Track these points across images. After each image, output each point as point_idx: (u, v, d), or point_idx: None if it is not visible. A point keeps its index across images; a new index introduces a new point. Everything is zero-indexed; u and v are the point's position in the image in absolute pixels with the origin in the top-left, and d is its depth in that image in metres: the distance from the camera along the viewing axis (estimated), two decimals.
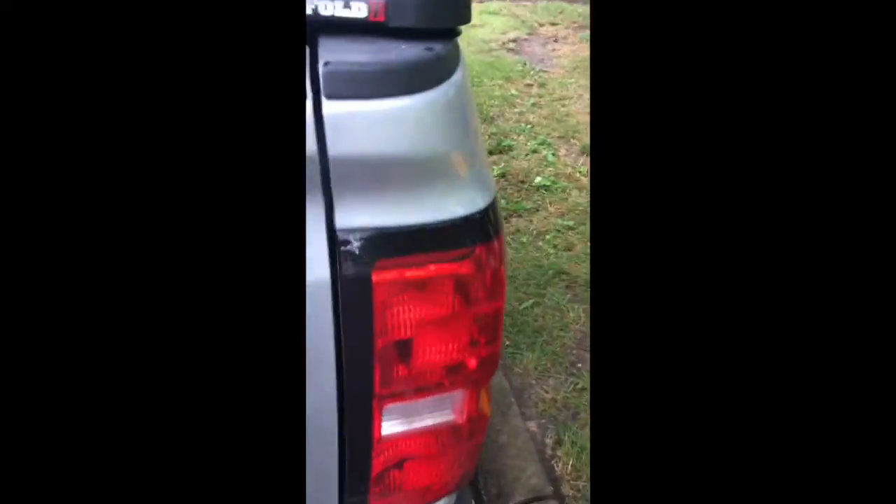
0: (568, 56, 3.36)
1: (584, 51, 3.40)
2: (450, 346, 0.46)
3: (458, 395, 0.49)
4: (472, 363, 0.48)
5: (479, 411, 0.50)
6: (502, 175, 2.39)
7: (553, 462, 1.42)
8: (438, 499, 0.55)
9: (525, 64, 3.26)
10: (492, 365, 0.49)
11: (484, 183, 0.48)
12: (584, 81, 3.08)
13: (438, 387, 0.47)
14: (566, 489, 1.36)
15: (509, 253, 2.03)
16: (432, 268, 0.44)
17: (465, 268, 0.45)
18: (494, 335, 0.48)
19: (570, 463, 1.40)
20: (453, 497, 0.59)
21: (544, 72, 3.19)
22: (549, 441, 1.47)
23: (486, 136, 2.63)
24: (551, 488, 1.36)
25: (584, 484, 1.36)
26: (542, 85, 3.06)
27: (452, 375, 0.47)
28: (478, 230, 0.46)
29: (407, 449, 0.50)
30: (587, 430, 1.46)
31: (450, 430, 0.50)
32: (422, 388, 0.47)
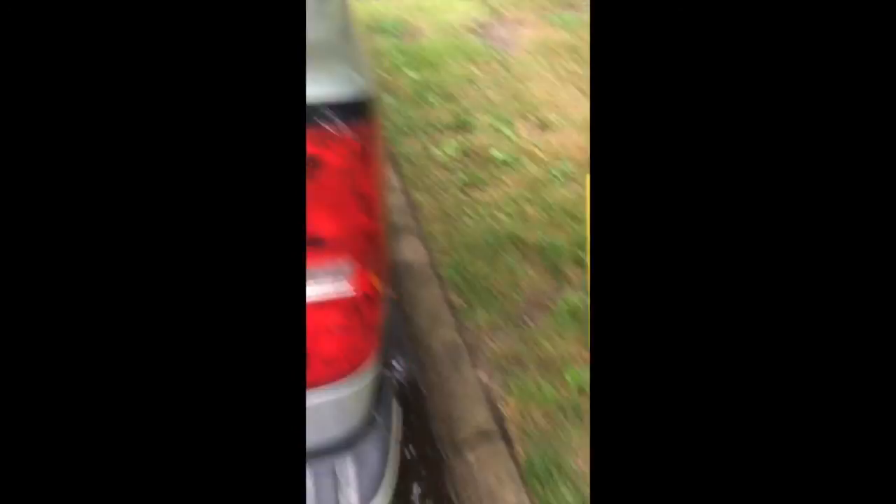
0: (531, 39, 3.45)
1: (547, 34, 3.50)
2: (336, 217, 0.53)
3: (349, 269, 0.57)
4: (358, 235, 0.55)
5: (372, 287, 0.58)
6: (462, 150, 2.47)
7: (499, 405, 1.52)
8: (355, 371, 0.62)
9: (488, 46, 3.34)
10: (375, 242, 0.57)
11: (364, 75, 0.56)
12: (545, 62, 3.17)
13: (328, 254, 0.55)
14: (511, 428, 1.47)
15: (468, 222, 2.12)
16: (317, 141, 0.51)
17: (343, 146, 0.52)
18: (372, 213, 0.56)
19: (514, 405, 1.50)
20: (369, 377, 0.67)
21: (507, 53, 3.28)
22: (496, 387, 1.57)
23: (448, 114, 2.71)
24: (497, 428, 1.46)
25: (526, 424, 1.46)
26: (503, 65, 3.15)
27: (340, 245, 0.55)
28: (358, 113, 0.54)
29: (314, 321, 0.57)
30: (533, 377, 1.56)
31: (349, 303, 0.58)
32: (313, 252, 0.54)
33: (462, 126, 2.61)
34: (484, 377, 1.61)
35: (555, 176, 2.30)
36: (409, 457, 1.45)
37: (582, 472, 1.33)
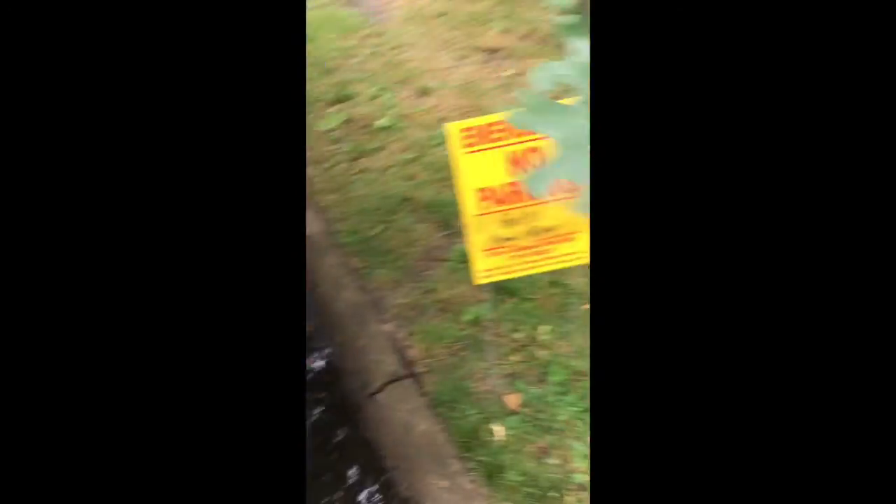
0: (404, 7, 3.50)
1: (418, 2, 3.56)
2: None
3: None
4: None
5: None
6: (346, 121, 2.52)
7: (406, 351, 1.65)
8: None
9: (361, 17, 3.35)
10: None
11: None
12: (421, 29, 3.25)
13: None
14: (418, 368, 1.60)
15: (359, 189, 2.19)
16: None
17: None
18: None
19: (421, 348, 1.63)
20: None
21: (380, 23, 3.32)
22: (402, 336, 1.69)
23: (328, 87, 2.72)
24: (406, 370, 1.59)
25: (433, 360, 1.60)
26: (379, 35, 3.18)
27: None
28: None
29: None
30: (435, 321, 1.70)
31: None
32: None
33: (344, 98, 2.64)
34: (389, 328, 1.72)
35: (437, 137, 2.43)
36: (327, 410, 1.54)
37: (482, 391, 1.50)
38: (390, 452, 1.44)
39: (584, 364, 1.51)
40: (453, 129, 1.11)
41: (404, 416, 1.47)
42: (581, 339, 1.58)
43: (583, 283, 1.72)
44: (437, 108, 2.64)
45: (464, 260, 1.95)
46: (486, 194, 1.17)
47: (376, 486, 1.38)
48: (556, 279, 1.76)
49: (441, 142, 2.43)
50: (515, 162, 1.15)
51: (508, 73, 2.79)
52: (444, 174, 2.24)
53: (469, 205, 1.18)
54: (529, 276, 1.75)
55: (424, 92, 2.74)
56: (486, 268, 1.27)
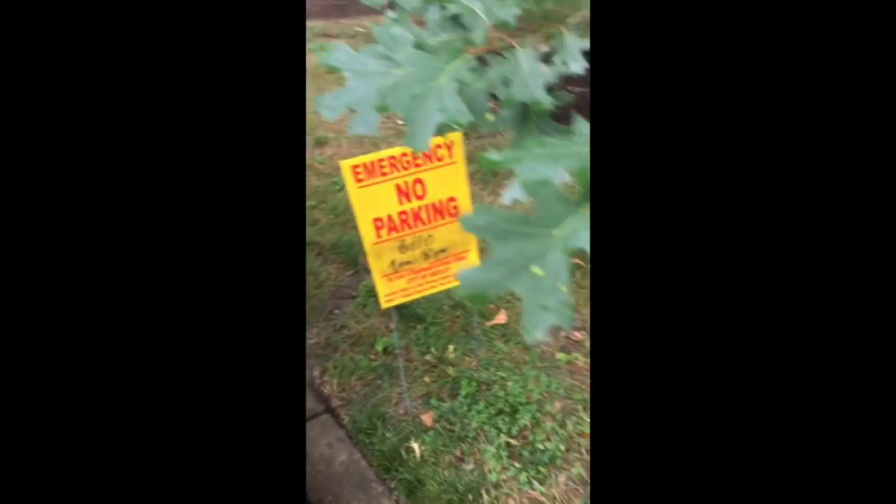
0: None
1: (308, 61, 3.73)
2: None
3: None
4: None
5: None
6: None
7: (321, 387, 1.68)
8: None
9: None
10: None
11: None
12: (313, 86, 3.40)
13: None
14: (335, 402, 1.63)
15: None
16: None
17: None
18: None
19: (336, 382, 1.67)
20: None
21: None
22: (316, 373, 1.72)
23: None
24: (323, 406, 1.61)
25: (347, 394, 1.64)
26: None
27: None
28: None
29: None
30: (347, 355, 1.75)
31: None
32: None
33: None
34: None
35: (337, 184, 2.53)
36: None
37: (398, 414, 1.56)
38: (313, 487, 1.45)
39: (489, 375, 1.63)
40: (346, 167, 1.23)
41: (324, 451, 1.49)
42: (484, 353, 1.71)
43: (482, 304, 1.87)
44: (335, 156, 2.76)
45: (371, 294, 2.03)
46: (380, 223, 1.29)
47: None
48: (458, 303, 1.89)
49: (342, 187, 2.53)
50: (403, 192, 1.28)
51: (401, 121, 3.00)
52: (346, 217, 2.34)
53: (367, 234, 1.29)
54: (434, 303, 1.87)
55: (321, 143, 2.85)
56: (388, 292, 1.37)
